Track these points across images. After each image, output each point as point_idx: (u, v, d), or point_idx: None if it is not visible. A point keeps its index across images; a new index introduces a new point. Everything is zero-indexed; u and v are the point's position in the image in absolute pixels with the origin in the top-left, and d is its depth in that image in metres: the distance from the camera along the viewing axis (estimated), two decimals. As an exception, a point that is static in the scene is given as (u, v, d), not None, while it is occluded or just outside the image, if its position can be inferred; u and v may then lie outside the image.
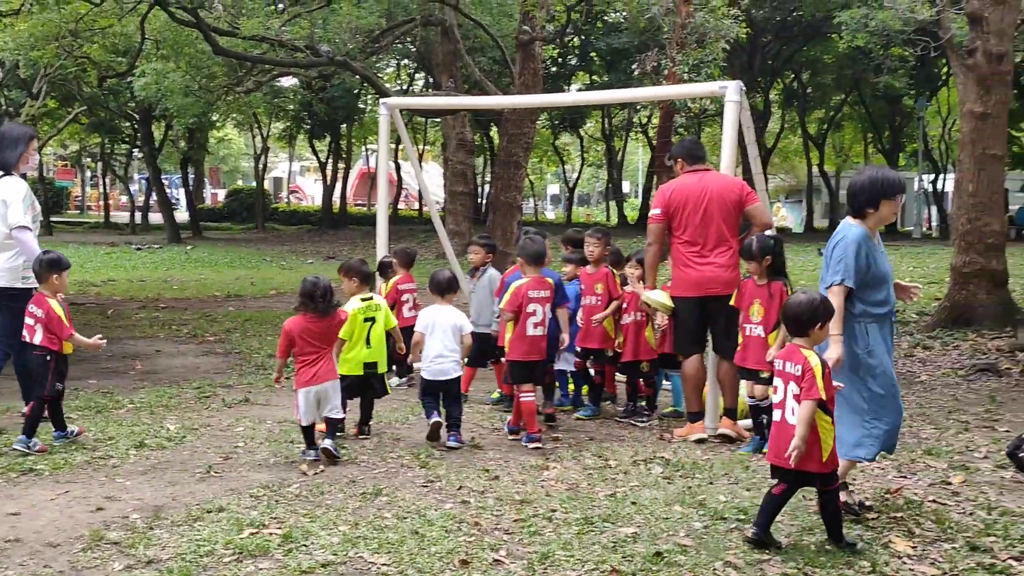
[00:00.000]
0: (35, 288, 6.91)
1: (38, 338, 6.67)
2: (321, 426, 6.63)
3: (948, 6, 14.12)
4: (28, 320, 6.72)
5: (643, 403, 8.08)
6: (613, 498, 5.64)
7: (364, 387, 7.19)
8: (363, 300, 7.17)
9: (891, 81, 31.39)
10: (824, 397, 4.79)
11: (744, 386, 7.18)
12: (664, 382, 8.51)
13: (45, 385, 6.66)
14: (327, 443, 6.42)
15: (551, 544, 4.82)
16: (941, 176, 41.14)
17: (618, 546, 4.83)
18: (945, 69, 33.54)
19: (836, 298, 5.26)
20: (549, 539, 4.91)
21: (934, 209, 42.50)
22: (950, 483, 6.10)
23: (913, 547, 4.94)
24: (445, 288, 7.25)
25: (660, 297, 7.51)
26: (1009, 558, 4.81)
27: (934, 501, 5.71)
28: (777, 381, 4.99)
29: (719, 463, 6.53)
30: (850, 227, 5.42)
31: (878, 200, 5.38)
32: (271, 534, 4.88)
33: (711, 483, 6.05)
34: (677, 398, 8.22)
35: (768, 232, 7.16)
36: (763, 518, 4.92)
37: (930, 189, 42.30)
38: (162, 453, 6.55)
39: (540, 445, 6.99)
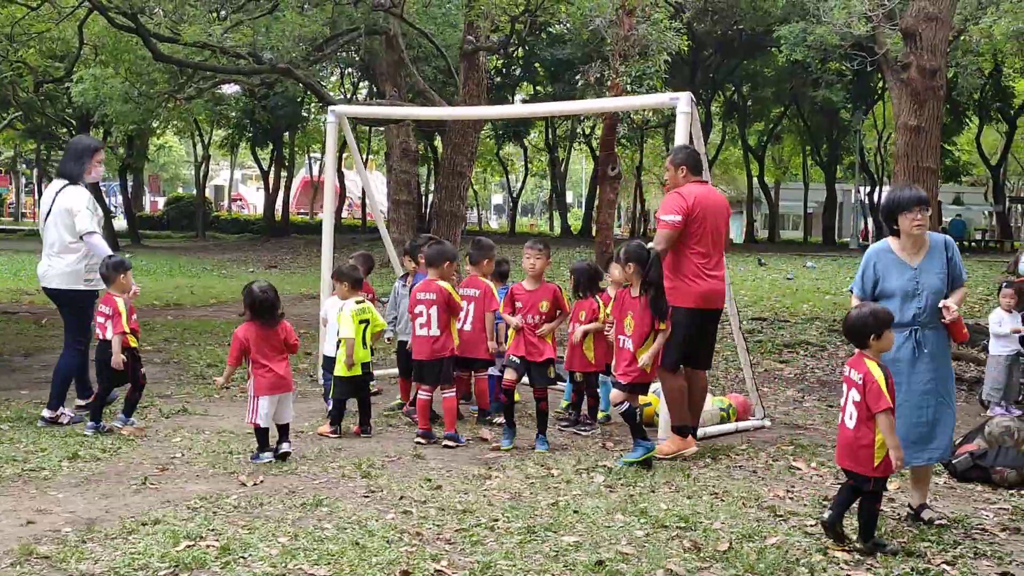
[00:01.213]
0: (98, 290, 7.69)
1: (109, 334, 7.35)
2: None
3: (883, 22, 14.39)
4: (99, 319, 7.43)
5: (586, 412, 8.12)
6: (555, 507, 5.64)
7: (361, 387, 7.53)
8: (357, 303, 7.51)
9: (829, 95, 31.99)
10: (892, 406, 5.02)
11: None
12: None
13: (129, 376, 7.47)
14: (285, 447, 6.69)
15: (493, 554, 4.81)
16: (877, 188, 41.88)
17: (560, 555, 4.83)
18: (881, 83, 34.19)
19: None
20: (491, 548, 4.90)
21: (871, 220, 43.23)
22: (886, 489, 6.18)
23: (850, 553, 5.01)
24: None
25: None
26: (943, 563, 4.90)
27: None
28: (844, 386, 5.23)
29: (660, 471, 6.56)
30: (878, 242, 5.86)
31: (896, 216, 5.68)
32: (208, 546, 4.80)
33: (652, 491, 6.08)
34: (606, 403, 8.28)
35: (650, 245, 7.02)
36: (838, 510, 5.19)
37: (867, 201, 43.03)
38: (96, 465, 6.42)
39: (454, 444, 7.22)
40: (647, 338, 6.74)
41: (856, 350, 5.25)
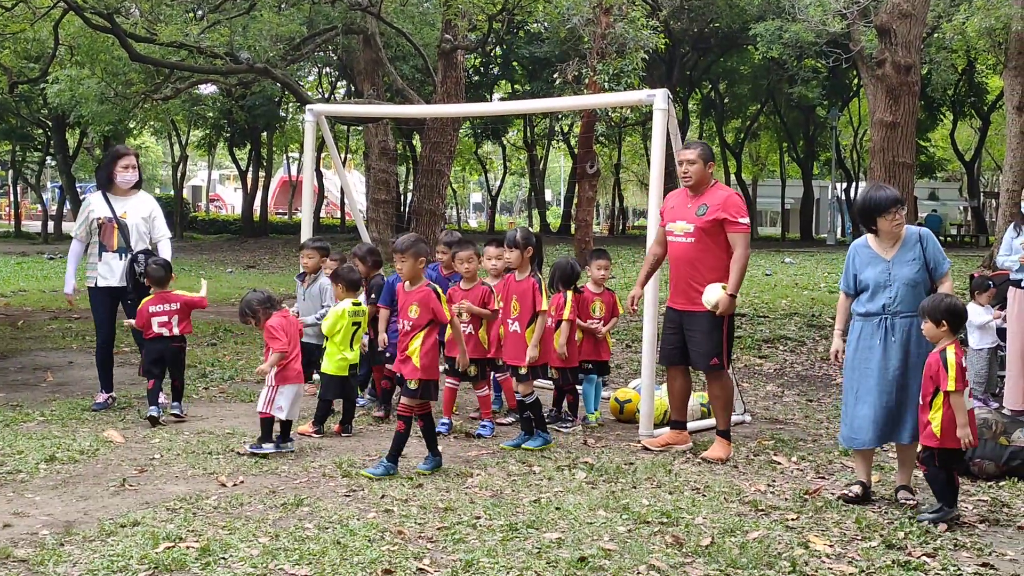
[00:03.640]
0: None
1: (176, 330, 7.90)
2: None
3: (858, 19, 14.48)
4: (162, 318, 7.87)
5: (566, 408, 8.12)
6: (537, 504, 5.64)
7: (347, 388, 7.58)
8: (354, 304, 7.52)
9: (805, 92, 32.08)
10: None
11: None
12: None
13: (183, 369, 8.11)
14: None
15: (475, 551, 4.80)
16: (854, 184, 42.09)
17: (542, 552, 4.82)
18: (856, 80, 34.33)
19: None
20: (473, 546, 4.89)
21: (848, 216, 43.40)
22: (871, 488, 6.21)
23: (831, 546, 5.03)
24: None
25: None
26: (923, 555, 4.92)
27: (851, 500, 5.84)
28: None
29: (642, 467, 6.57)
30: (859, 239, 6.14)
31: (873, 218, 5.93)
32: (188, 548, 4.77)
33: (634, 487, 6.09)
34: (589, 404, 8.26)
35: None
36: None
37: (843, 197, 43.24)
38: (74, 467, 6.37)
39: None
40: (532, 320, 7.06)
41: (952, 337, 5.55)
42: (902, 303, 5.83)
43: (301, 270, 8.86)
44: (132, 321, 8.02)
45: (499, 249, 7.53)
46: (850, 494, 5.90)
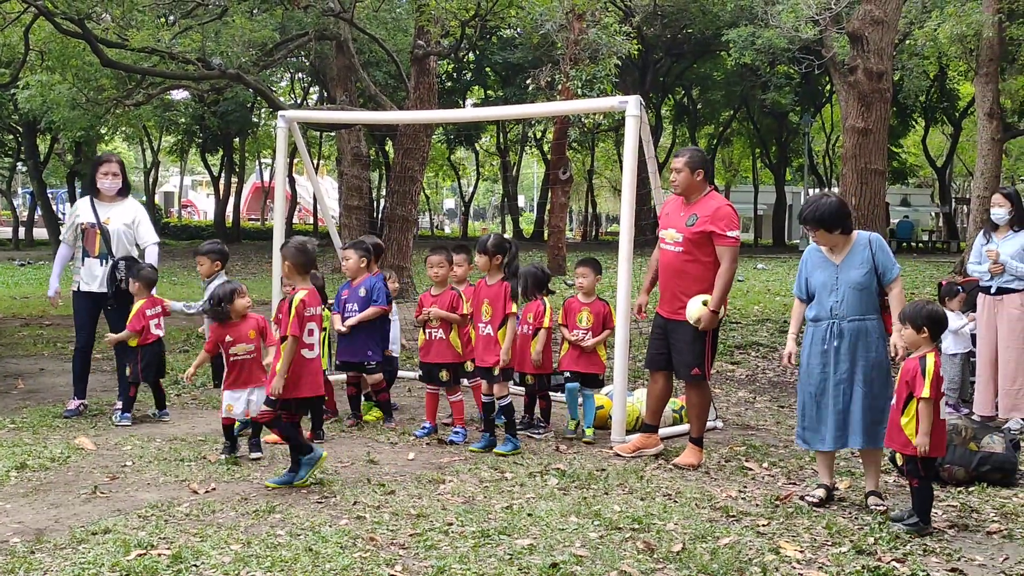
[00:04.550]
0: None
1: (163, 330, 8.27)
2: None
3: (831, 26, 14.61)
4: (155, 320, 8.13)
5: (539, 415, 8.14)
6: (509, 510, 5.65)
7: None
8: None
9: (777, 98, 32.28)
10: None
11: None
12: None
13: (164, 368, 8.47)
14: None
15: (447, 558, 4.80)
16: (826, 190, 42.33)
17: (514, 558, 4.83)
18: (828, 86, 34.59)
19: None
20: (445, 553, 4.89)
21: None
22: (837, 489, 6.27)
23: (802, 552, 5.07)
24: None
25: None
26: (893, 560, 4.97)
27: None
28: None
29: (614, 473, 6.59)
30: (812, 244, 6.19)
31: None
32: (160, 555, 4.75)
33: (606, 493, 6.11)
34: (573, 411, 8.24)
35: (506, 235, 7.48)
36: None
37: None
38: (45, 474, 6.33)
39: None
40: (503, 322, 7.17)
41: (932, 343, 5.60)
42: (849, 307, 5.93)
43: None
44: (113, 337, 8.08)
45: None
46: (812, 499, 5.96)
